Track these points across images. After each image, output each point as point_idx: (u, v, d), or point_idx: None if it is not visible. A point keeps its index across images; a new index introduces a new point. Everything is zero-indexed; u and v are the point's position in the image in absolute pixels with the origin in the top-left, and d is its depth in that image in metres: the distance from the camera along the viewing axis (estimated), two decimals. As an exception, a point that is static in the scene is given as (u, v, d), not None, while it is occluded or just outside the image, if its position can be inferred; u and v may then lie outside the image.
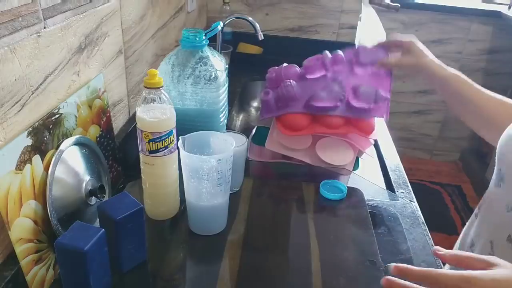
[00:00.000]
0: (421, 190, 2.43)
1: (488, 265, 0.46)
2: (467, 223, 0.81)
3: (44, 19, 0.61)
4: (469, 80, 0.81)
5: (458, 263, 0.49)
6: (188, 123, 0.86)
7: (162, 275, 0.66)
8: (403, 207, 0.86)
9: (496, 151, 0.71)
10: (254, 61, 1.69)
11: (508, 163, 0.66)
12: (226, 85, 0.95)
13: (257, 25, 1.34)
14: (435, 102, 2.50)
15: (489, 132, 0.80)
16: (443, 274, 0.45)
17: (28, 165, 0.58)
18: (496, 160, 0.71)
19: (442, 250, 0.51)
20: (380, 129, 1.19)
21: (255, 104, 1.54)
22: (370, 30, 1.84)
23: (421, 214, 0.85)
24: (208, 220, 0.73)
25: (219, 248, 0.71)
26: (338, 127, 0.93)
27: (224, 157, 0.68)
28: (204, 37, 0.88)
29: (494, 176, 0.71)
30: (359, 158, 0.96)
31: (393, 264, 0.49)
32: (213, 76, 0.87)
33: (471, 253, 0.49)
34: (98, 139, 0.78)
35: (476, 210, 0.78)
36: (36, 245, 0.59)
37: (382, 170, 1.03)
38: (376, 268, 0.67)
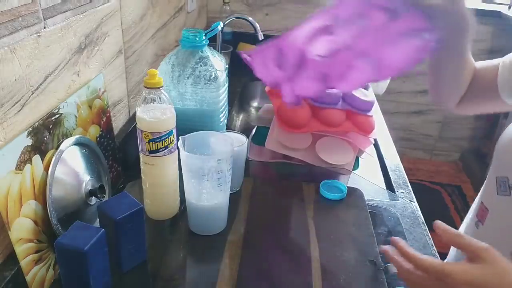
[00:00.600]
0: (421, 190, 2.43)
1: (475, 256, 0.47)
2: (462, 231, 0.77)
3: (44, 19, 0.61)
4: None
5: (453, 245, 0.52)
6: (188, 123, 0.86)
7: (162, 275, 0.66)
8: (403, 207, 0.86)
9: (494, 156, 0.68)
10: (254, 61, 1.69)
11: None
12: (226, 85, 0.95)
13: (257, 25, 1.34)
14: (435, 102, 2.50)
15: (448, 92, 0.76)
16: (427, 262, 0.48)
17: (28, 165, 0.58)
18: (495, 166, 0.68)
19: (441, 228, 0.53)
20: (380, 129, 1.19)
21: (255, 104, 1.54)
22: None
23: (421, 214, 0.85)
24: (208, 220, 0.73)
25: (219, 248, 0.71)
26: (338, 125, 0.93)
27: (224, 157, 0.68)
28: (204, 37, 0.88)
29: (494, 183, 0.67)
30: (359, 158, 0.96)
31: (395, 240, 0.54)
32: (213, 76, 0.87)
33: (469, 237, 0.50)
34: (98, 139, 0.78)
35: (473, 218, 0.74)
36: (36, 245, 0.59)
37: (382, 170, 1.03)
38: (376, 268, 0.67)
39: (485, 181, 0.72)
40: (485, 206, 0.71)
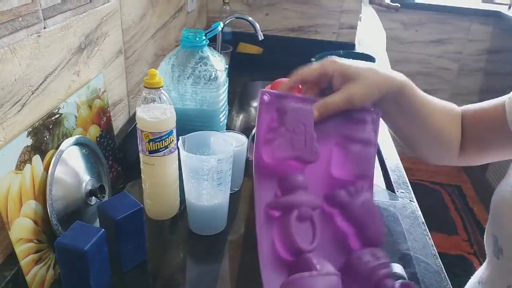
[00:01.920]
0: (421, 190, 2.43)
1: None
2: (470, 282, 0.70)
3: (44, 19, 0.61)
4: (414, 86, 0.59)
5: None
6: (188, 123, 0.86)
7: (162, 275, 0.66)
8: (403, 207, 0.86)
9: (490, 210, 0.62)
10: (254, 61, 1.69)
11: (506, 233, 0.57)
12: (226, 85, 0.95)
13: (257, 25, 1.34)
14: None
15: (435, 151, 0.65)
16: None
17: (28, 165, 0.58)
18: (490, 221, 0.62)
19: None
20: (380, 128, 1.19)
21: (255, 104, 1.54)
22: (370, 30, 1.84)
23: (421, 214, 0.85)
24: (208, 220, 0.73)
25: (219, 248, 0.71)
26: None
27: (224, 157, 0.68)
28: (204, 37, 0.88)
29: (491, 241, 0.61)
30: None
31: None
32: (213, 76, 0.87)
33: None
34: (98, 139, 0.78)
35: (480, 273, 0.68)
36: (36, 245, 0.59)
37: (382, 170, 1.02)
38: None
39: (485, 232, 0.65)
40: (486, 262, 0.64)
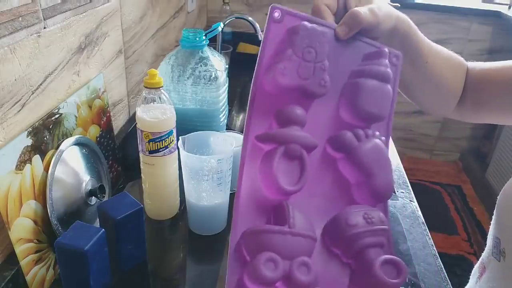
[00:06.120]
0: (421, 190, 2.43)
1: None
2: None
3: (44, 19, 0.61)
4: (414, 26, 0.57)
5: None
6: (188, 123, 0.86)
7: (162, 275, 0.66)
8: (403, 207, 0.86)
9: (495, 212, 0.59)
10: (254, 61, 1.69)
11: (509, 236, 0.55)
12: (226, 85, 0.95)
13: (257, 25, 1.34)
14: (435, 102, 2.50)
15: (432, 99, 0.64)
16: None
17: (28, 165, 0.58)
18: (493, 223, 0.60)
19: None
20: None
21: (255, 104, 1.54)
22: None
23: (421, 214, 0.85)
24: (208, 220, 0.73)
25: (219, 248, 0.71)
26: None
27: (224, 157, 0.68)
28: (204, 37, 0.88)
29: (491, 242, 0.59)
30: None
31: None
32: (213, 76, 0.87)
33: None
34: (98, 139, 0.78)
35: (476, 272, 0.66)
36: (36, 245, 0.59)
37: (382, 170, 1.02)
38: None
39: (488, 234, 0.62)
40: (483, 264, 0.62)
